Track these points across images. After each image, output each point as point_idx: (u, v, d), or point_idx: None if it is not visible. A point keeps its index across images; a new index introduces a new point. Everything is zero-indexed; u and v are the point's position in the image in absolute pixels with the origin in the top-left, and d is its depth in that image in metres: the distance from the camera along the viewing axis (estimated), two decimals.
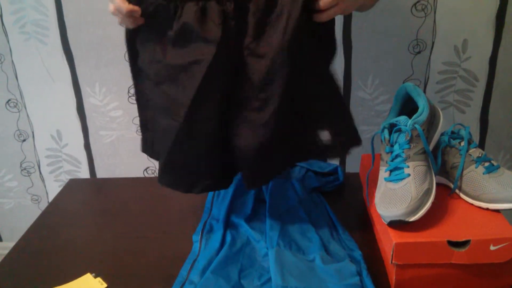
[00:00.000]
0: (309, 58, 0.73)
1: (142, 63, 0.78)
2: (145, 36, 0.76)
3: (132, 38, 0.78)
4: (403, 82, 1.29)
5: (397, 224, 0.70)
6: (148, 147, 0.88)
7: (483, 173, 0.76)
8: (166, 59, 0.73)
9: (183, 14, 0.70)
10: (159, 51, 0.74)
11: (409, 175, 0.73)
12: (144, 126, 0.88)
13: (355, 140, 0.81)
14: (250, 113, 0.74)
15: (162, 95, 0.75)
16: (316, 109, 0.78)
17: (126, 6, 0.70)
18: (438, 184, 0.80)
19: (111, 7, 0.72)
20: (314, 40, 0.73)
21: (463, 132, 0.81)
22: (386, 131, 0.79)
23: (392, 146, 0.77)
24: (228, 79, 0.73)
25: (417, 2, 1.20)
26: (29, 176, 1.53)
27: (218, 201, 0.94)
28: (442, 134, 0.83)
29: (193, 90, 0.71)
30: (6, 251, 0.85)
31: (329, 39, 0.79)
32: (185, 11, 0.69)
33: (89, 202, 1.02)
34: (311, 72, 0.74)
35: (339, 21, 1.23)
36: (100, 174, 1.50)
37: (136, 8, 0.71)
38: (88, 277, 0.76)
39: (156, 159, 0.87)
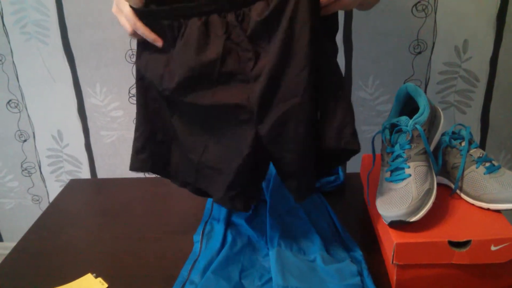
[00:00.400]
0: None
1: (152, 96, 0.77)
2: (150, 64, 0.74)
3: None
4: (404, 83, 1.29)
5: (398, 224, 0.70)
6: (157, 165, 0.82)
7: (484, 173, 0.76)
8: (175, 81, 0.72)
9: (187, 30, 0.69)
10: (164, 77, 0.72)
11: (410, 175, 0.73)
12: (149, 138, 0.79)
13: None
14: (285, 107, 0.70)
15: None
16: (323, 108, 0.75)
17: (154, 37, 0.71)
18: (439, 185, 0.80)
19: (129, 31, 0.72)
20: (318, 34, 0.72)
21: (463, 132, 0.81)
22: (387, 131, 0.79)
23: (393, 146, 0.77)
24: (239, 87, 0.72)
25: (418, 2, 1.20)
26: (30, 176, 1.53)
27: None
28: (443, 135, 0.83)
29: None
30: (6, 251, 0.85)
31: (331, 31, 0.77)
32: (189, 27, 0.69)
33: (90, 202, 1.02)
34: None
35: (339, 22, 1.23)
36: (101, 174, 1.50)
37: (160, 40, 0.71)
38: (89, 277, 0.76)
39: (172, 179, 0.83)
